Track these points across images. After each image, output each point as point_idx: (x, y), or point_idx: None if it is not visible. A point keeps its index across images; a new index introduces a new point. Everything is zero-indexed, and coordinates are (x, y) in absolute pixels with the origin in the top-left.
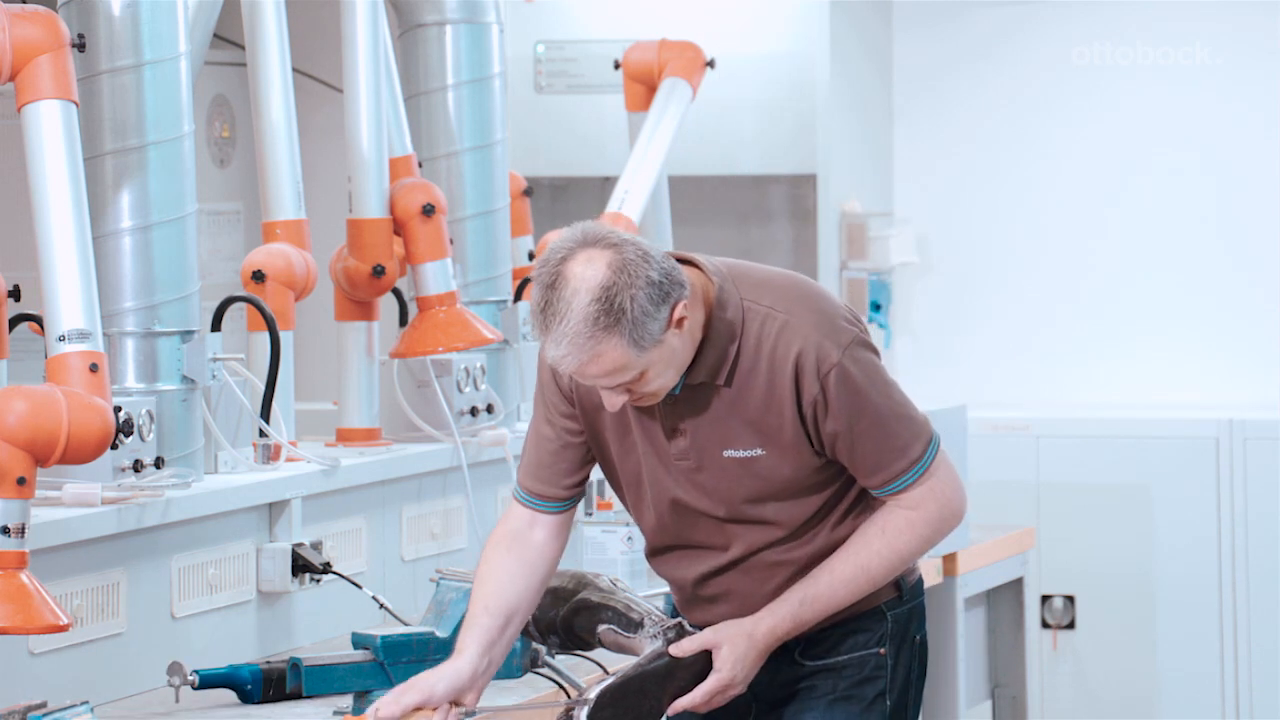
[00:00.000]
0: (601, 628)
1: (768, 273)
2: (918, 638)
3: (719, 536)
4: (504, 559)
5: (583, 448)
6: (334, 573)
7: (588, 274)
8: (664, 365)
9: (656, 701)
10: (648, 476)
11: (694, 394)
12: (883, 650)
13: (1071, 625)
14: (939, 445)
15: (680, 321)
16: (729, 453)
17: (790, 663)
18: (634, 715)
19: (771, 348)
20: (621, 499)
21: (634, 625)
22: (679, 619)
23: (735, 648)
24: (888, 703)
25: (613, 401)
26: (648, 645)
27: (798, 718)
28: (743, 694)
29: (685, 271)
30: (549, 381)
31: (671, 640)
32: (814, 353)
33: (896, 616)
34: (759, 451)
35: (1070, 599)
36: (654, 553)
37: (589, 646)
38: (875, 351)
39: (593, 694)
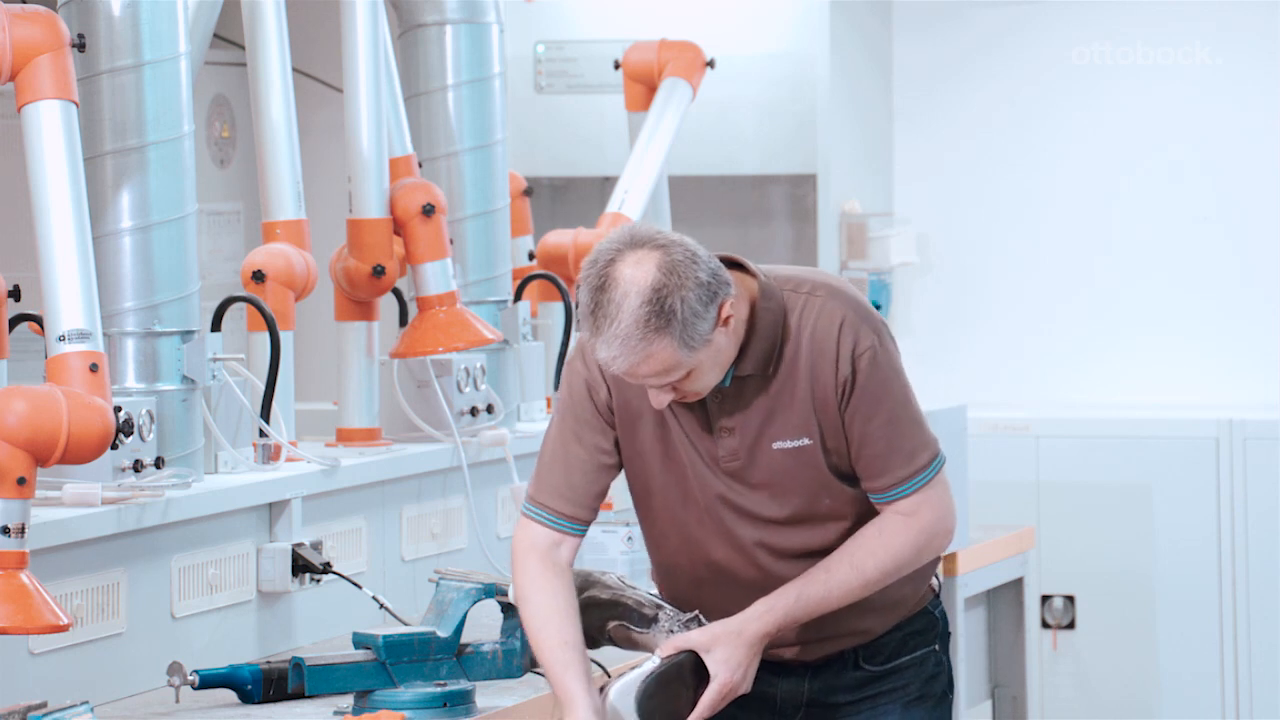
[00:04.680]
0: (612, 624)
1: (799, 269)
2: (949, 629)
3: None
4: (557, 586)
5: (615, 468)
6: (334, 573)
7: (637, 275)
8: (710, 363)
9: (690, 691)
10: (695, 483)
11: (741, 388)
12: (937, 647)
13: (1071, 625)
14: (943, 463)
15: (727, 320)
16: (778, 444)
17: (853, 667)
18: (673, 705)
19: (813, 328)
20: (647, 520)
21: (647, 620)
22: (695, 612)
23: (727, 648)
24: (949, 695)
25: (659, 400)
26: (663, 639)
27: None
28: (793, 695)
29: (729, 271)
30: (584, 401)
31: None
32: (853, 333)
33: (941, 613)
34: (806, 441)
35: (1070, 599)
36: (699, 583)
37: (595, 645)
38: (898, 351)
39: (631, 678)
